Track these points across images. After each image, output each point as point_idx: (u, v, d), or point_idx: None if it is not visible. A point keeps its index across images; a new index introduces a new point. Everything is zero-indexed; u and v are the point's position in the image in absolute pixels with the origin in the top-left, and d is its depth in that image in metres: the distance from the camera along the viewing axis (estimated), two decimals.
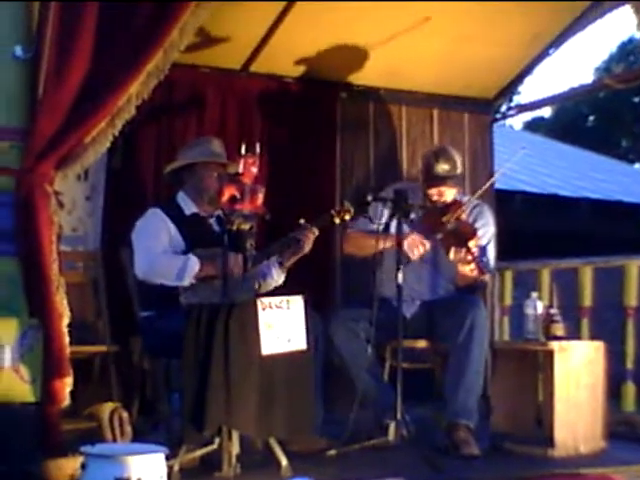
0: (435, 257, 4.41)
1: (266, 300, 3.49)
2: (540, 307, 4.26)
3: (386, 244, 4.15)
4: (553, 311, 4.26)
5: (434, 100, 5.67)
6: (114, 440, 3.38)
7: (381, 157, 5.56)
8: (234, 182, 3.63)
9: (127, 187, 4.83)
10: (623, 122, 21.27)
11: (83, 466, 2.80)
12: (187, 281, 3.90)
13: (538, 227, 7.76)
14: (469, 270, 4.07)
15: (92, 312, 4.43)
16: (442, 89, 5.63)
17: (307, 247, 4.06)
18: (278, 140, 5.14)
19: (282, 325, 3.48)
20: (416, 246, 4.19)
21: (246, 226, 3.64)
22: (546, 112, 22.80)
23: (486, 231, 4.39)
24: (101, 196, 4.81)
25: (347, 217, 4.11)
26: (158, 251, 3.98)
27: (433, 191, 4.33)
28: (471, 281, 4.29)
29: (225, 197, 3.62)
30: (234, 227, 3.63)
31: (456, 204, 4.29)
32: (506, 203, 7.30)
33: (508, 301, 5.39)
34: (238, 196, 3.61)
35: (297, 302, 3.55)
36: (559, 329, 4.18)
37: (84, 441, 2.98)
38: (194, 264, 3.90)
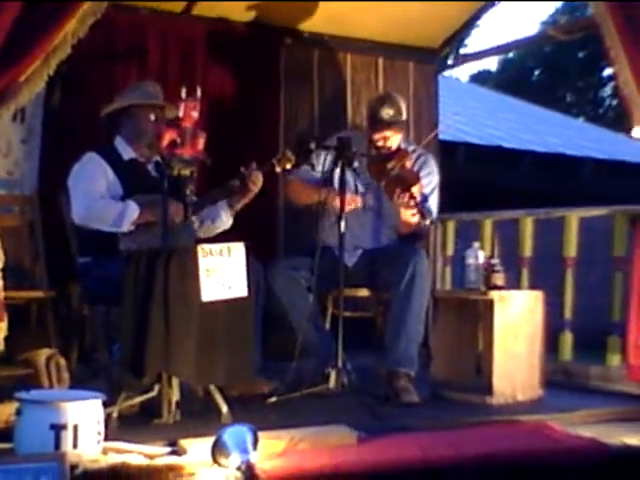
0: (378, 205, 4.40)
1: (207, 247, 3.44)
2: (481, 257, 4.27)
3: (322, 197, 4.16)
4: (494, 261, 4.28)
5: (379, 48, 5.62)
6: (50, 387, 3.32)
7: (325, 105, 5.51)
8: (174, 126, 3.56)
9: (65, 130, 4.74)
10: (568, 76, 21.42)
11: (18, 412, 2.74)
12: (126, 227, 3.84)
13: (481, 179, 7.78)
14: (411, 215, 4.07)
15: (29, 257, 4.35)
16: (388, 37, 5.59)
17: (255, 189, 4.01)
18: (220, 85, 5.07)
19: (223, 272, 3.44)
20: (348, 203, 4.17)
21: (186, 171, 3.58)
22: (492, 65, 22.91)
23: (430, 180, 4.39)
24: (38, 138, 4.70)
25: (288, 166, 4.05)
26: (95, 196, 3.91)
27: (378, 136, 4.30)
28: (413, 229, 4.30)
29: (165, 141, 3.55)
30: (174, 172, 3.56)
31: (401, 152, 4.29)
32: (450, 154, 7.32)
33: (450, 251, 5.41)
34: (178, 140, 3.54)
35: (238, 249, 3.51)
36: (499, 279, 4.20)
37: (19, 388, 2.93)
38: (133, 210, 3.84)
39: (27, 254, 4.35)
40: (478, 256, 4.27)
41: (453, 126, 8.50)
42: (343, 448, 3.13)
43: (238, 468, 2.71)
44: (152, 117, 4.02)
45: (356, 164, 4.16)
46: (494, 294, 4.11)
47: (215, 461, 2.76)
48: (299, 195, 4.51)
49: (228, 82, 5.15)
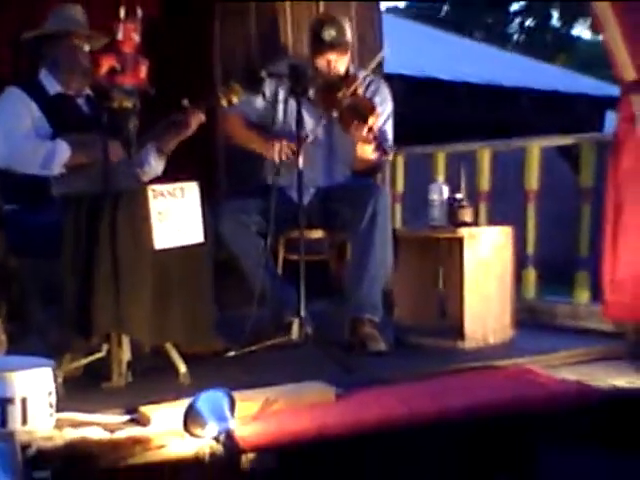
0: (330, 140, 4.08)
1: (158, 187, 3.06)
2: (446, 192, 3.99)
3: (255, 145, 3.98)
4: (459, 196, 3.99)
5: None
6: None
7: (264, 32, 5.08)
8: (113, 51, 3.15)
9: None
10: (476, 12, 21.32)
11: None
12: (56, 169, 3.41)
13: (420, 112, 7.49)
14: (370, 151, 3.76)
15: None
16: None
17: (190, 129, 3.62)
18: (152, 8, 4.57)
19: (176, 215, 3.09)
20: (285, 152, 3.86)
21: (128, 103, 3.17)
22: (400, 2, 22.62)
23: (384, 108, 4.07)
24: None
25: (235, 99, 3.67)
26: (19, 135, 3.47)
27: (322, 61, 3.94)
28: (370, 164, 3.99)
29: (103, 69, 3.14)
30: (114, 104, 3.15)
31: (350, 77, 3.97)
32: None
33: (400, 188, 5.12)
34: (118, 68, 3.14)
35: (192, 189, 3.15)
36: (467, 214, 3.93)
37: None
38: (63, 150, 3.42)
39: None
40: (442, 191, 3.99)
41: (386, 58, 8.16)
42: (322, 407, 2.85)
43: (215, 438, 2.38)
44: (81, 46, 3.58)
45: (310, 93, 3.81)
46: (463, 231, 3.83)
47: (188, 431, 2.43)
48: (238, 135, 4.17)
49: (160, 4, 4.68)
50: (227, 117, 4.17)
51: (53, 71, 3.65)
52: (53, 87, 3.65)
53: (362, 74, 4.07)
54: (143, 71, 3.20)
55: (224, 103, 3.65)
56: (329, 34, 3.94)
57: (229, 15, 5.00)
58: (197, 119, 3.60)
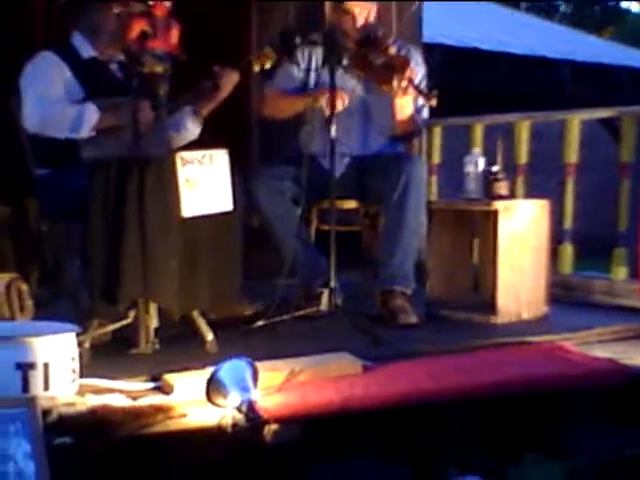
0: (364, 107, 3.98)
1: (186, 155, 3.02)
2: (482, 164, 3.91)
3: (308, 102, 3.78)
4: (495, 168, 3.90)
5: None
6: (12, 317, 2.90)
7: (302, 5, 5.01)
8: (144, 15, 3.11)
9: (14, 26, 4.20)
10: None
11: None
12: (85, 132, 3.36)
13: (459, 82, 7.37)
14: (410, 103, 3.73)
15: None
16: None
17: (225, 91, 3.55)
18: None
19: (205, 183, 3.05)
20: (340, 99, 3.75)
21: (159, 68, 3.15)
22: None
23: (417, 71, 3.94)
24: None
25: (268, 64, 3.59)
26: (51, 100, 3.44)
27: (339, 14, 3.83)
28: (410, 126, 3.92)
29: (134, 33, 3.12)
30: (145, 69, 3.12)
31: (378, 39, 3.84)
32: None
33: (437, 159, 5.03)
34: (149, 32, 3.11)
35: (221, 157, 3.10)
36: (503, 187, 3.84)
37: None
38: (92, 113, 3.37)
39: None
40: (478, 163, 3.90)
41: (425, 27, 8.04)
42: (348, 379, 2.81)
43: (237, 408, 2.36)
44: (115, 10, 3.54)
45: (345, 61, 3.74)
46: (498, 204, 3.75)
47: (210, 401, 2.40)
48: (281, 106, 4.02)
49: None
50: (266, 96, 4.09)
51: (86, 35, 3.60)
52: (87, 51, 3.61)
53: (391, 39, 3.98)
54: (174, 36, 3.18)
55: (256, 68, 3.59)
56: None
57: None
58: (231, 80, 3.53)
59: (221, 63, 3.53)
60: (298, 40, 3.73)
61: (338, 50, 3.66)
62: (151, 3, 3.12)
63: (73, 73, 3.52)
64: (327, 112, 3.63)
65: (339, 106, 3.70)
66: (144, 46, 3.11)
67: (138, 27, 3.10)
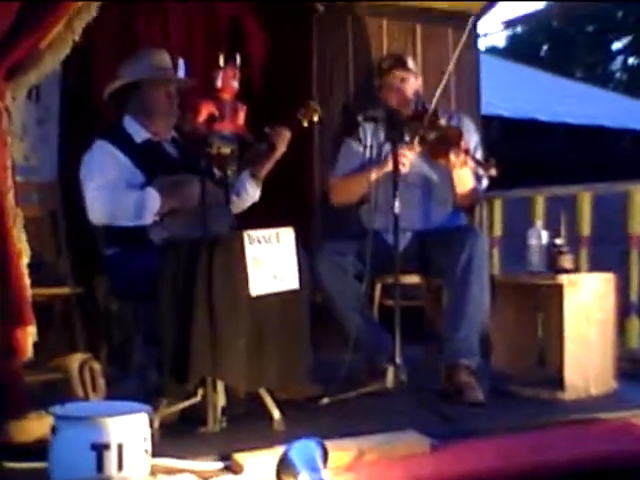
0: (425, 180, 4.01)
1: (253, 233, 3.07)
2: (545, 237, 3.89)
3: (379, 173, 3.78)
4: (559, 241, 3.89)
5: (417, 14, 5.21)
6: (86, 397, 2.95)
7: (361, 76, 5.10)
8: (213, 98, 3.19)
9: (85, 108, 4.33)
10: (577, 51, 20.96)
11: (53, 430, 2.38)
12: (149, 219, 3.45)
13: (518, 154, 7.39)
14: (469, 174, 3.79)
15: (51, 250, 3.97)
16: (425, 3, 5.18)
17: (279, 150, 3.62)
18: (249, 55, 4.65)
19: (272, 261, 3.09)
20: (403, 156, 3.77)
21: (227, 149, 3.21)
22: (499, 41, 22.41)
23: (470, 137, 3.96)
24: (55, 120, 4.32)
25: (315, 118, 3.64)
26: (111, 189, 3.49)
27: (386, 90, 3.92)
28: (471, 195, 3.96)
29: (202, 116, 3.18)
30: (212, 150, 3.19)
31: (427, 111, 3.84)
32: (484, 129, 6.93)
33: (498, 232, 5.03)
34: (217, 114, 3.18)
35: (287, 235, 3.15)
36: (567, 261, 3.82)
37: (49, 397, 2.58)
38: (153, 200, 3.44)
39: (49, 247, 3.97)
40: (541, 236, 3.89)
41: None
42: (416, 458, 2.79)
43: None
44: (164, 92, 3.61)
45: (407, 137, 3.78)
46: (564, 278, 3.73)
47: None
48: (351, 189, 4.02)
49: (257, 52, 4.75)
50: (333, 184, 4.12)
51: (137, 118, 3.66)
52: (139, 135, 3.66)
53: (441, 111, 4.02)
54: (241, 117, 3.23)
55: (305, 123, 3.65)
56: (387, 63, 4.00)
57: (327, 57, 5.05)
58: (283, 138, 3.60)
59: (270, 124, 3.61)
60: (360, 117, 3.79)
61: (400, 126, 3.71)
62: (219, 85, 3.19)
63: (130, 159, 3.57)
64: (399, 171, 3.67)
65: (406, 163, 3.76)
66: (212, 128, 3.18)
67: (206, 110, 3.17)
